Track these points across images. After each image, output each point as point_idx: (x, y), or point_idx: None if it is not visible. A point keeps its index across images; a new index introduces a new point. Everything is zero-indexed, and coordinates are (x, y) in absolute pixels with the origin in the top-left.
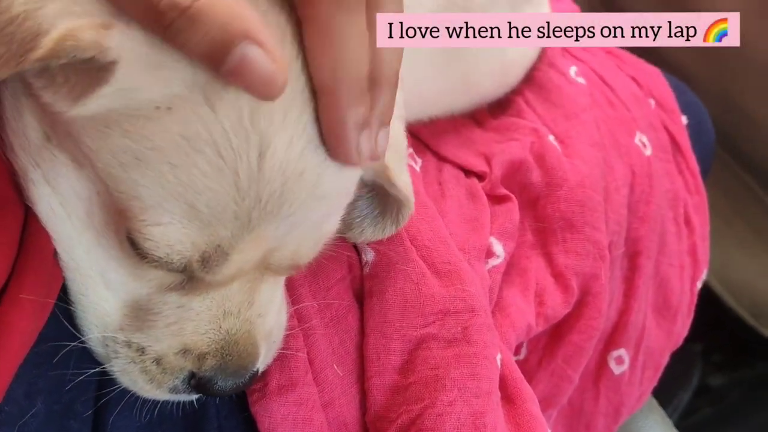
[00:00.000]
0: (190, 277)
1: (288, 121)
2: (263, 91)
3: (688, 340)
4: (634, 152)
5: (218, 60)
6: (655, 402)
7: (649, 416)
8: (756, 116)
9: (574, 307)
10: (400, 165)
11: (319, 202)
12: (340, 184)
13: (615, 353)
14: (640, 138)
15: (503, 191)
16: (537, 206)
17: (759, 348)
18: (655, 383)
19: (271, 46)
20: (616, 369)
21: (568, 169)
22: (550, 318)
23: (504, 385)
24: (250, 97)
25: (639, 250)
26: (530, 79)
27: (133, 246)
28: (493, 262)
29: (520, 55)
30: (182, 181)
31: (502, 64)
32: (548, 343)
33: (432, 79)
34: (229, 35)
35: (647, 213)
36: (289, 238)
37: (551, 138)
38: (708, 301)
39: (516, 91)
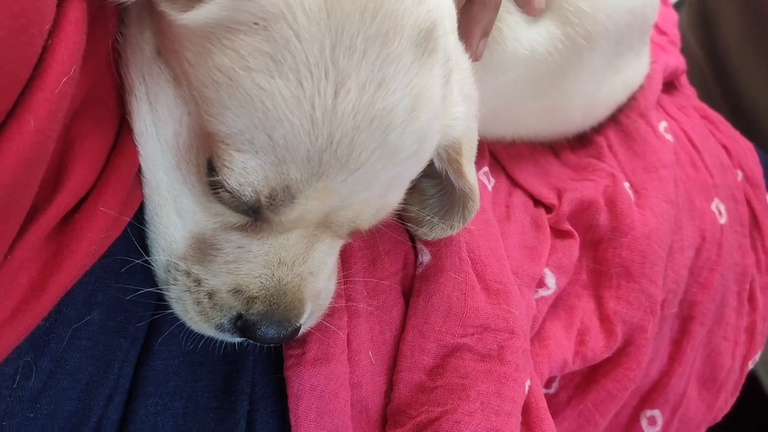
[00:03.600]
0: (255, 219)
1: (365, 62)
2: None
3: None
4: (708, 218)
5: None
6: None
7: None
8: None
9: (614, 354)
10: (471, 159)
11: (387, 159)
12: (409, 144)
13: (649, 413)
14: (717, 205)
15: (567, 227)
16: (598, 248)
17: None
18: None
19: None
20: (648, 429)
21: (636, 219)
22: (588, 359)
23: (527, 411)
24: (332, 29)
25: (693, 315)
26: (618, 124)
27: (209, 173)
28: (543, 292)
29: (610, 93)
30: (265, 107)
31: (592, 100)
32: (581, 384)
33: (524, 99)
34: None
35: (709, 280)
36: (355, 199)
37: (626, 185)
38: (755, 394)
39: (601, 132)
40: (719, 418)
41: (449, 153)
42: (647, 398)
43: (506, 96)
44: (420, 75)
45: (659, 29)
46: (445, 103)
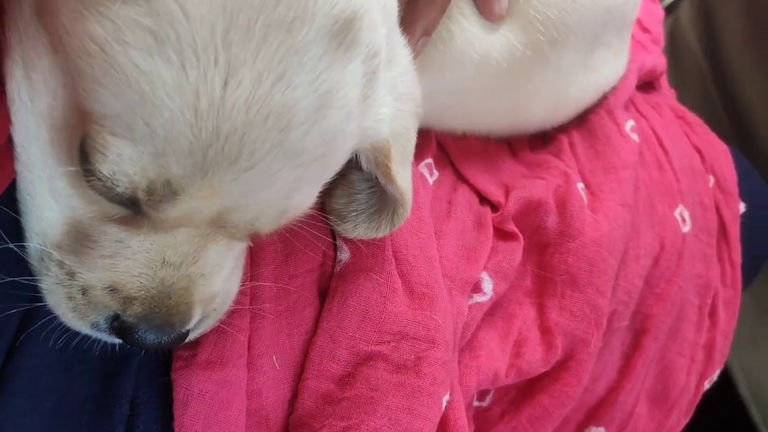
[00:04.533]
0: (135, 213)
1: (264, 51)
2: None
3: None
4: (669, 224)
5: None
6: None
7: None
8: None
9: (553, 368)
10: (404, 163)
11: (286, 161)
12: (313, 146)
13: (594, 429)
14: (681, 212)
15: (512, 228)
16: (545, 253)
17: None
18: None
19: None
20: None
21: (587, 222)
22: (523, 372)
23: (444, 428)
24: (227, 10)
25: (647, 328)
26: (583, 121)
27: (82, 158)
28: (478, 298)
29: (579, 95)
30: (143, 90)
31: (558, 101)
32: (516, 398)
33: (479, 97)
34: None
35: (666, 292)
36: (251, 200)
37: (580, 186)
38: (731, 404)
39: (563, 130)
40: None
41: (376, 156)
42: (593, 414)
43: (458, 93)
44: (331, 70)
45: (642, 26)
46: (367, 103)
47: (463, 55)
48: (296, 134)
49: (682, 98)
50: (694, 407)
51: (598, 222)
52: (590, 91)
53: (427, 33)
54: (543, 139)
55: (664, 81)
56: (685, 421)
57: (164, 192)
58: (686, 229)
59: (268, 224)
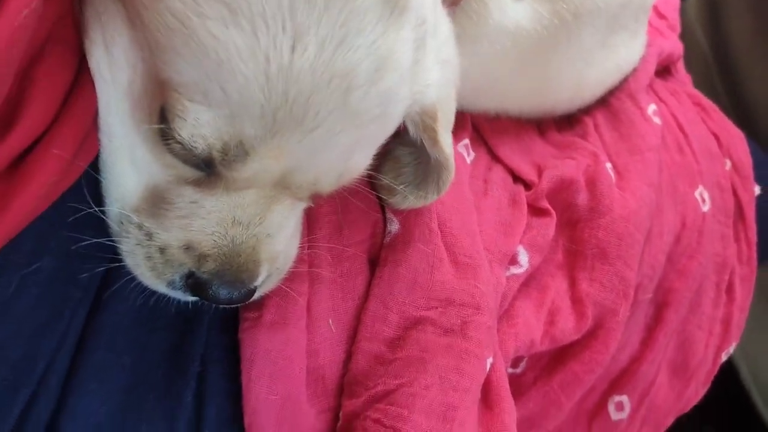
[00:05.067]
0: (209, 174)
1: (326, 17)
2: None
3: (704, 421)
4: (690, 204)
5: None
6: None
7: None
8: None
9: (583, 336)
10: (446, 129)
11: (348, 122)
12: (372, 106)
13: (617, 398)
14: (701, 193)
15: (545, 205)
16: (576, 228)
17: None
18: None
19: None
20: (615, 415)
21: (616, 200)
22: (556, 339)
23: (487, 389)
24: None
25: (668, 301)
26: (606, 105)
27: (162, 122)
28: (515, 270)
29: (601, 75)
30: (219, 58)
31: (580, 80)
32: (548, 365)
33: (511, 74)
34: None
35: (687, 268)
36: (313, 161)
37: (608, 166)
38: (733, 387)
39: (588, 112)
40: (688, 408)
41: (424, 120)
42: (616, 383)
43: (491, 69)
44: (387, 35)
45: (659, 13)
46: (417, 68)
47: (498, 24)
48: (356, 95)
49: None
50: (711, 378)
51: (626, 200)
52: (611, 72)
53: (455, 3)
54: (569, 122)
55: (680, 66)
56: (702, 392)
57: (237, 152)
58: (706, 208)
59: (328, 184)
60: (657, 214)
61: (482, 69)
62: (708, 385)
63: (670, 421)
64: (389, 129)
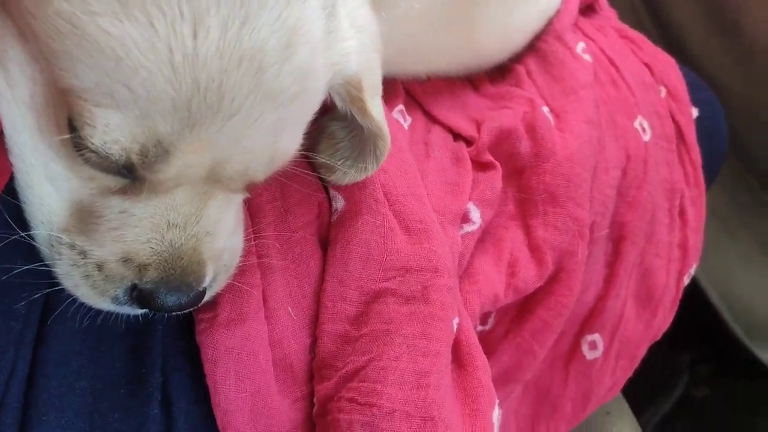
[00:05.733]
0: (133, 180)
1: None
2: None
3: (677, 348)
4: (632, 136)
5: None
6: (627, 408)
7: (618, 422)
8: None
9: (546, 282)
10: (374, 97)
11: (266, 103)
12: (288, 84)
13: (589, 338)
14: (641, 122)
15: (489, 158)
16: (522, 177)
17: (748, 366)
18: (629, 374)
19: None
20: (589, 354)
21: (557, 142)
22: (520, 290)
23: (457, 350)
24: None
25: (624, 235)
26: (535, 50)
27: (72, 133)
28: (468, 228)
29: (525, 21)
30: (117, 55)
31: (505, 29)
32: (516, 316)
33: (435, 33)
34: None
35: (637, 199)
36: (238, 149)
37: (545, 109)
38: (703, 311)
39: (518, 60)
40: (659, 336)
41: (349, 91)
42: (585, 324)
43: (414, 31)
44: (291, 7)
45: None
46: (331, 38)
47: None
48: (270, 75)
49: None
50: (677, 304)
51: (567, 140)
52: (534, 17)
53: None
54: (501, 73)
55: (604, 3)
56: (670, 318)
57: (156, 152)
58: (647, 137)
59: (261, 171)
60: (600, 150)
61: (405, 31)
62: (674, 311)
63: (643, 350)
64: (312, 106)
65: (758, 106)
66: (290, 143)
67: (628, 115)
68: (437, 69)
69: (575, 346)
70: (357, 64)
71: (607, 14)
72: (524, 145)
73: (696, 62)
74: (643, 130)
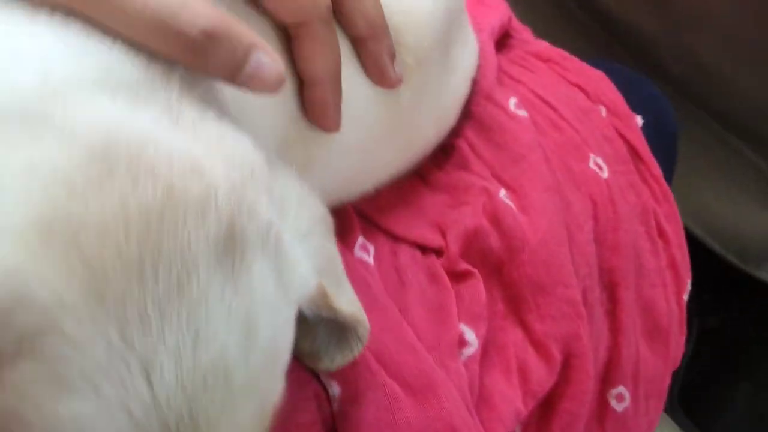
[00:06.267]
0: None
1: (168, 327)
2: (274, 88)
3: None
4: (592, 179)
5: (237, 72)
6: None
7: None
8: (719, 71)
9: (560, 374)
10: (339, 286)
11: (244, 401)
12: (260, 369)
13: (614, 392)
14: (595, 160)
15: (463, 266)
16: (502, 273)
17: (750, 287)
18: (661, 410)
19: (270, 50)
20: (618, 407)
21: (526, 229)
22: (537, 394)
23: None
24: (112, 314)
25: (616, 281)
26: (469, 116)
27: None
28: (468, 351)
29: (455, 95)
30: None
31: (440, 112)
32: (542, 417)
33: (375, 155)
34: (246, 46)
35: (617, 240)
36: None
37: (502, 194)
38: (694, 247)
39: (457, 133)
40: (678, 363)
41: (316, 303)
42: (607, 379)
43: (355, 160)
44: (239, 291)
45: None
46: (285, 279)
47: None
48: (238, 377)
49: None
50: (684, 324)
51: (535, 222)
52: (461, 84)
53: (393, 57)
54: (444, 151)
55: (515, 24)
56: (682, 340)
57: None
58: (605, 175)
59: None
60: (567, 209)
61: (346, 165)
62: (684, 333)
63: (667, 382)
64: (286, 352)
65: (691, 49)
66: (274, 393)
67: (581, 158)
68: (385, 177)
69: (604, 404)
70: (315, 275)
71: (523, 36)
72: (494, 240)
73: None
74: (599, 167)
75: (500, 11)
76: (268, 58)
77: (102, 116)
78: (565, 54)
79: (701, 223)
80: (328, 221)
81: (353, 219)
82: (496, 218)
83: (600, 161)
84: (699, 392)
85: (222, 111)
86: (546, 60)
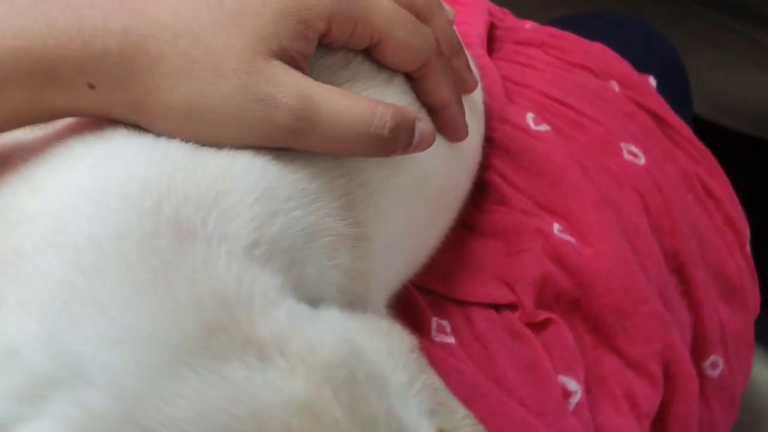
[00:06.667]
0: None
1: None
2: (432, 143)
3: None
4: (631, 171)
5: (410, 147)
6: None
7: None
8: None
9: (664, 385)
10: (451, 412)
11: None
12: None
13: (707, 363)
14: (627, 149)
15: (543, 315)
16: (581, 309)
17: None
18: (752, 357)
19: (422, 115)
20: (714, 373)
21: (592, 260)
22: (649, 413)
23: None
24: None
25: (683, 262)
26: (491, 143)
27: None
28: (574, 400)
29: (473, 136)
30: None
31: (466, 160)
32: (658, 429)
33: (426, 220)
34: (411, 123)
35: (673, 223)
36: None
37: (557, 229)
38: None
39: (484, 166)
40: (758, 309)
41: None
42: (698, 354)
43: (411, 241)
44: None
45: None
46: None
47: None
48: None
49: None
50: (755, 273)
51: (597, 249)
52: (476, 122)
53: (461, 90)
54: (478, 189)
55: (495, 9)
56: (758, 291)
57: None
58: (642, 161)
59: None
60: (620, 217)
61: (405, 252)
62: (757, 280)
63: (752, 331)
64: None
65: None
66: None
67: (614, 152)
68: (437, 245)
69: (701, 377)
70: (433, 426)
71: (507, 23)
72: (564, 281)
73: None
74: (634, 155)
75: (480, 9)
76: (424, 123)
77: None
78: (554, 31)
79: (710, 104)
80: (414, 343)
81: (420, 302)
82: (560, 259)
83: (632, 148)
84: None
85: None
86: (539, 45)
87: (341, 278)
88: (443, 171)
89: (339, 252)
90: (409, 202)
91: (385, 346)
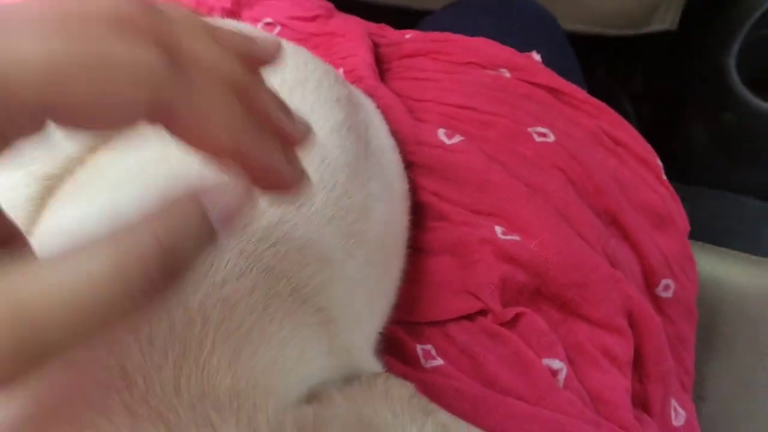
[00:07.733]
0: None
1: None
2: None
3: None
4: (546, 151)
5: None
6: None
7: None
8: None
9: (635, 337)
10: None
11: None
12: None
13: (660, 287)
14: (535, 131)
15: (511, 312)
16: (542, 294)
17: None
18: (696, 268)
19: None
20: (669, 294)
21: (540, 252)
22: (629, 362)
23: None
24: None
25: (613, 213)
26: (414, 166)
27: None
28: (561, 376)
29: (394, 162)
30: None
31: (399, 188)
32: (638, 366)
33: (383, 268)
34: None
35: (595, 184)
36: None
37: (499, 232)
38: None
39: (415, 188)
40: (688, 225)
41: None
42: (649, 284)
43: (375, 291)
44: None
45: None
46: None
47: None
48: None
49: None
50: (676, 195)
51: (540, 239)
52: (394, 155)
53: None
54: (414, 212)
55: (372, 28)
56: (681, 209)
57: None
58: (552, 138)
59: None
60: (550, 199)
61: (376, 304)
62: (680, 202)
63: (688, 244)
64: None
65: None
66: None
67: (525, 139)
68: (396, 287)
69: (659, 300)
70: None
71: (386, 38)
72: (521, 276)
73: None
74: (543, 135)
75: (359, 35)
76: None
77: None
78: (436, 36)
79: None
80: (411, 391)
81: (401, 335)
82: (511, 258)
83: (539, 129)
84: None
85: None
86: (426, 54)
87: (323, 362)
88: (383, 229)
89: (312, 344)
90: (364, 275)
91: (388, 409)
